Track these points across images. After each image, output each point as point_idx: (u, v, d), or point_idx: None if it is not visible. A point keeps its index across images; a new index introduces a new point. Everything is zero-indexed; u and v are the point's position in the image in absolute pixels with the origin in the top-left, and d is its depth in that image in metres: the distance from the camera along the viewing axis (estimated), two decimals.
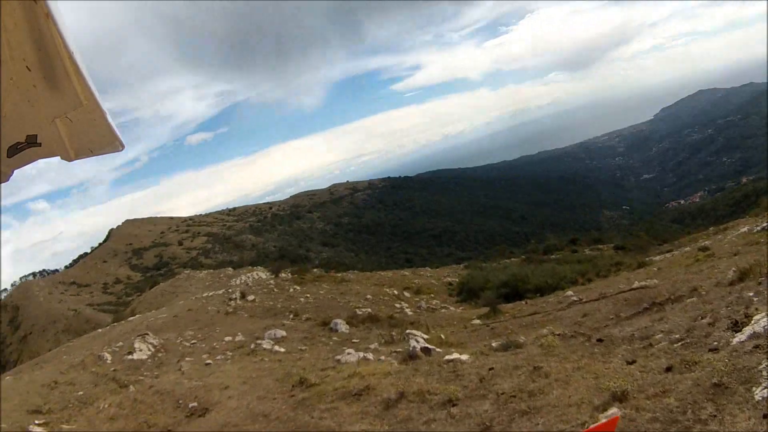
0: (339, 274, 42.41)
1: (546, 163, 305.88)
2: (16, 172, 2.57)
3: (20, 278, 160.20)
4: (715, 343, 7.45)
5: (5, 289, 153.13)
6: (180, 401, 12.89)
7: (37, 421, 12.41)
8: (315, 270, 46.46)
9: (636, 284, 18.86)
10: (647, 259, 33.85)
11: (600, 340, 10.31)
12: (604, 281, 27.94)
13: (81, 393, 15.07)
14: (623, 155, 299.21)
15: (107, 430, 11.74)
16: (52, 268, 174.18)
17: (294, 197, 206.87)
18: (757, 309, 8.15)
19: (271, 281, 39.38)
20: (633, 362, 7.55)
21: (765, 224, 26.21)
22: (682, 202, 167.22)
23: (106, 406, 13.30)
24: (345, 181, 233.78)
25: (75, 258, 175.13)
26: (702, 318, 9.27)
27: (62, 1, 2.06)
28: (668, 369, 6.88)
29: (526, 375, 8.07)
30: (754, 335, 6.92)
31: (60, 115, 2.38)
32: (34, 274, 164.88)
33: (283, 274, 42.48)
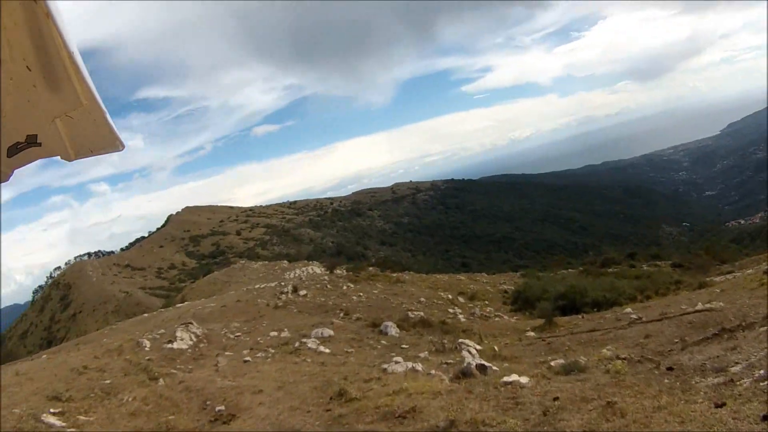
0: (394, 274, 41.83)
1: (610, 173, 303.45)
2: (15, 171, 2.58)
3: (75, 258, 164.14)
4: None
5: (59, 267, 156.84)
6: (208, 402, 12.17)
7: (53, 410, 11.69)
8: (370, 268, 46.02)
9: (700, 306, 17.98)
10: (708, 279, 32.77)
11: (670, 369, 9.49)
12: (663, 299, 27.07)
13: (108, 382, 14.47)
14: (687, 170, 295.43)
15: (124, 426, 11.11)
16: (108, 249, 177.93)
17: (356, 194, 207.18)
18: None
19: (325, 277, 39.13)
20: (722, 405, 6.71)
21: None
22: (743, 221, 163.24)
23: (130, 399, 12.66)
24: (408, 180, 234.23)
25: (132, 241, 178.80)
26: None
27: (62, 1, 2.06)
28: (766, 418, 6.07)
29: (597, 412, 7.19)
30: None
31: (60, 115, 2.41)
32: (89, 254, 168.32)
33: (338, 271, 42.21)
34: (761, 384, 7.14)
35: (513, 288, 41.29)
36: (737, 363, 8.67)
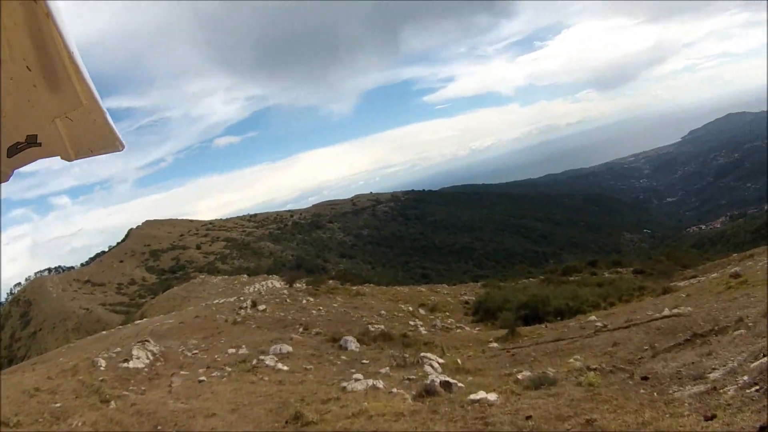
0: (354, 287, 41.69)
1: (570, 182, 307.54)
2: (17, 171, 2.59)
3: (35, 273, 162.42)
4: None
5: (19, 284, 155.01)
6: (159, 427, 11.50)
7: None
8: (330, 282, 45.92)
9: (667, 311, 17.81)
10: (672, 284, 32.95)
11: (645, 378, 9.12)
12: (627, 306, 27.18)
13: (59, 405, 13.85)
14: (648, 177, 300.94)
15: None
16: (69, 264, 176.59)
17: (316, 206, 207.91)
18: None
19: (285, 291, 38.89)
20: (712, 417, 6.21)
21: None
22: (703, 227, 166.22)
23: (80, 424, 12.04)
24: (368, 192, 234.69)
25: (92, 256, 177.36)
26: (763, 355, 8.11)
27: (62, 0, 2.05)
28: (763, 429, 5.58)
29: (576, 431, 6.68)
30: None
31: (60, 115, 2.40)
32: (49, 270, 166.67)
33: (298, 285, 42.09)
34: (748, 391, 6.78)
35: (474, 298, 41.18)
36: (715, 369, 8.43)
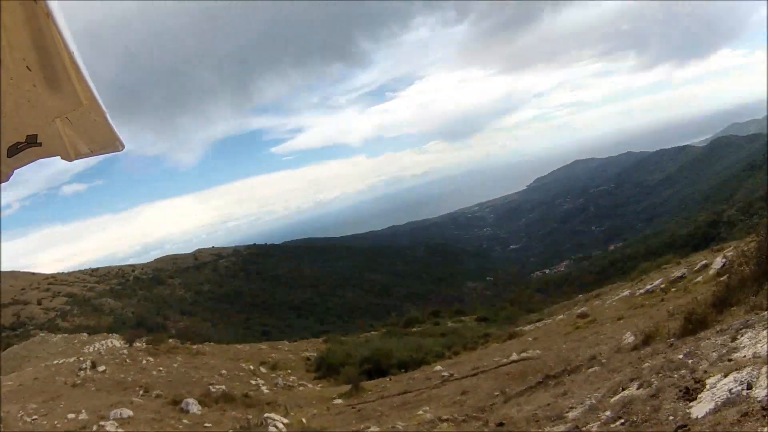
0: (194, 346, 40.63)
1: (413, 233, 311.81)
2: (16, 171, 2.62)
3: None
4: (672, 417, 6.00)
5: None
6: None
7: None
8: (170, 340, 44.66)
9: (515, 356, 17.94)
10: (517, 329, 33.51)
11: (501, 425, 8.78)
12: (473, 354, 27.39)
13: None
14: (492, 226, 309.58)
15: None
16: None
17: (158, 260, 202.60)
18: (706, 372, 6.96)
19: (125, 350, 37.49)
20: None
21: (648, 287, 26.27)
22: (547, 271, 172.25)
23: None
24: (211, 246, 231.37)
25: None
26: (622, 389, 7.98)
27: (62, 1, 2.07)
28: None
29: None
30: (728, 402, 5.61)
31: (60, 115, 2.42)
32: None
33: (138, 344, 40.72)
34: (612, 426, 6.55)
35: (316, 354, 40.71)
36: (573, 408, 8.32)
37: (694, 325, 11.96)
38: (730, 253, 20.97)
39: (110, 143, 2.68)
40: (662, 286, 25.33)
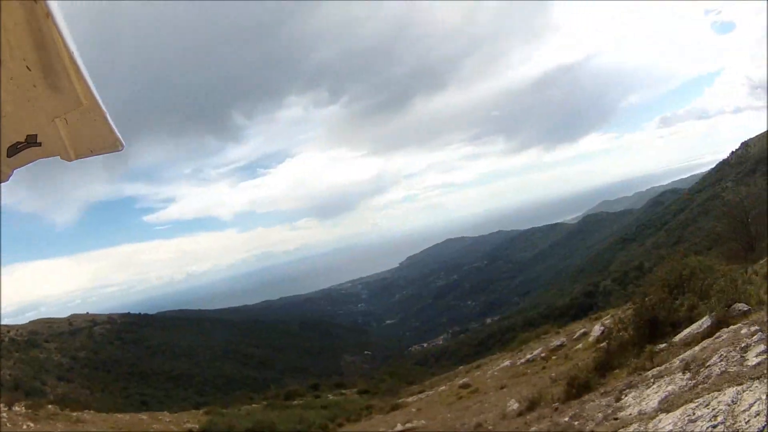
0: (74, 413, 38.94)
1: (287, 308, 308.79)
2: (15, 171, 2.60)
3: None
4: None
5: None
6: None
7: None
8: (50, 406, 42.59)
9: (399, 427, 17.80)
10: (400, 400, 33.39)
11: None
12: (357, 425, 27.12)
13: None
14: (366, 302, 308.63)
15: None
16: None
17: (33, 323, 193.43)
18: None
19: (5, 414, 35.43)
20: None
21: (529, 356, 26.66)
22: (425, 345, 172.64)
23: None
24: (85, 312, 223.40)
25: None
26: None
27: (62, 0, 2.08)
28: None
29: None
30: None
31: (60, 115, 2.42)
32: None
33: (17, 408, 38.61)
34: None
35: (198, 426, 39.58)
36: None
37: (577, 389, 12.18)
38: (608, 320, 21.58)
39: (110, 143, 2.69)
40: (543, 354, 25.77)
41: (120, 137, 2.66)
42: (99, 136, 2.60)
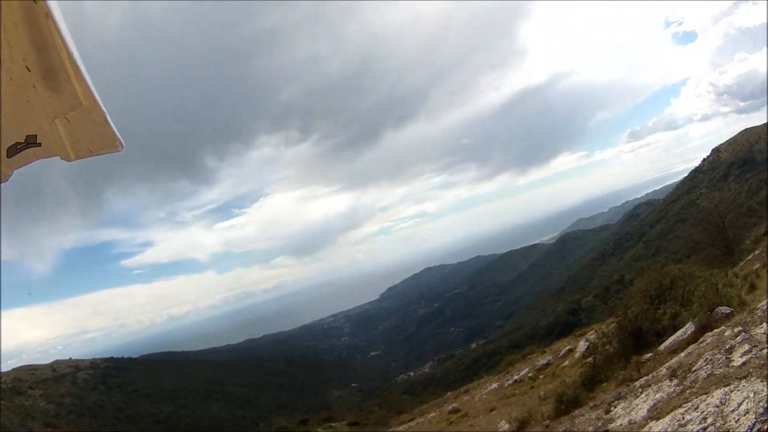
0: None
1: (270, 345, 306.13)
2: (15, 172, 2.62)
3: None
4: None
5: None
6: None
7: None
8: None
9: None
10: (390, 430, 33.23)
11: None
12: None
13: None
14: (349, 335, 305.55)
15: None
16: None
17: (16, 370, 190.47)
18: None
19: None
20: None
21: (516, 377, 26.66)
22: (411, 374, 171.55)
23: None
24: (68, 358, 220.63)
25: None
26: None
27: (62, 0, 2.12)
28: None
29: None
30: None
31: (60, 115, 2.44)
32: None
33: None
34: None
35: None
36: None
37: (566, 405, 12.18)
38: (593, 336, 21.60)
39: (110, 143, 2.69)
40: (530, 374, 25.78)
41: (120, 137, 2.69)
42: (99, 137, 2.62)
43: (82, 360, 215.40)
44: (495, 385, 29.46)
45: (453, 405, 30.00)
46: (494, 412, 19.94)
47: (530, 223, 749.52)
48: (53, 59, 2.13)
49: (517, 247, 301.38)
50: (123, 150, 2.76)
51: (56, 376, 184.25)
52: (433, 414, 32.24)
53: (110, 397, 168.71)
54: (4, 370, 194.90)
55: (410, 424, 33.18)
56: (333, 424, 54.26)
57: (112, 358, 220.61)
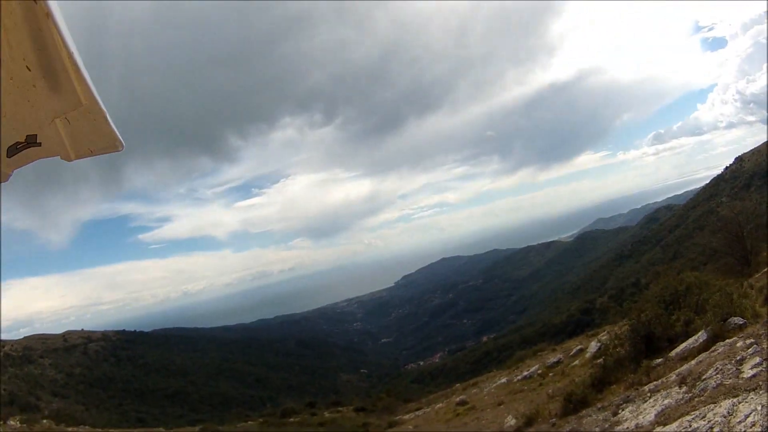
0: (70, 428, 38.92)
1: (283, 327, 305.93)
2: (15, 172, 2.63)
3: None
4: None
5: None
6: None
7: None
8: (45, 421, 42.53)
9: None
10: (397, 418, 33.29)
11: None
12: None
13: None
14: (362, 321, 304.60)
15: None
16: None
17: (27, 338, 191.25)
18: None
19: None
20: None
21: (526, 373, 26.64)
22: (421, 363, 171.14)
23: None
24: (80, 329, 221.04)
25: None
26: None
27: (62, 1, 2.10)
28: None
29: None
30: None
31: (60, 115, 2.43)
32: None
33: (12, 422, 38.62)
34: None
35: None
36: None
37: (574, 404, 12.21)
38: (605, 337, 21.57)
39: (110, 143, 2.68)
40: (540, 371, 25.76)
41: (120, 137, 2.68)
42: (99, 136, 2.61)
43: (94, 331, 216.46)
44: (504, 380, 29.47)
45: (461, 397, 30.03)
46: (502, 406, 19.95)
47: (549, 219, 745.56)
48: (53, 59, 2.13)
49: (535, 243, 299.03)
50: (123, 150, 2.76)
51: (67, 347, 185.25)
52: (440, 405, 32.28)
53: (120, 370, 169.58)
54: (15, 338, 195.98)
55: (417, 413, 33.24)
56: (340, 409, 54.37)
57: (124, 330, 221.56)
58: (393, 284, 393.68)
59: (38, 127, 2.41)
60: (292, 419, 49.82)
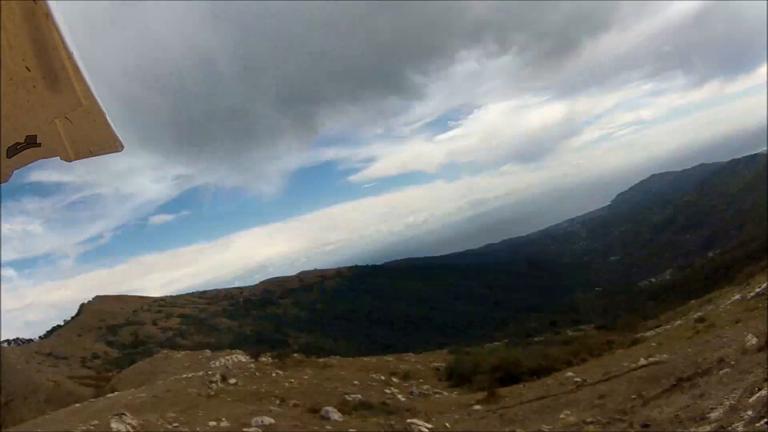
0: (321, 359, 40.51)
1: (511, 250, 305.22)
2: (15, 171, 2.59)
3: None
4: None
5: None
6: None
7: None
8: (295, 355, 44.62)
9: (643, 361, 17.71)
10: (639, 335, 32.90)
11: (646, 425, 8.97)
12: (600, 360, 26.79)
13: None
14: (586, 240, 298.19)
15: None
16: (27, 336, 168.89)
17: (263, 283, 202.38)
18: None
19: (252, 365, 37.57)
20: None
21: (758, 290, 25.65)
22: (653, 279, 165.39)
23: None
24: (313, 269, 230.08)
25: (49, 329, 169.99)
26: (758, 389, 8.07)
27: (62, 1, 2.06)
28: None
29: None
30: None
31: (60, 115, 2.40)
32: (8, 342, 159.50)
33: (264, 358, 40.78)
34: (757, 425, 6.70)
35: (444, 364, 40.40)
36: (713, 409, 8.27)
37: None
38: None
39: (110, 144, 2.66)
40: None
41: (119, 138, 2.66)
42: (99, 137, 2.59)
43: (328, 269, 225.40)
44: (737, 296, 28.51)
45: (698, 314, 29.34)
46: (740, 324, 19.37)
47: (746, 132, 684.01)
48: (53, 59, 2.12)
49: (739, 156, 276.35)
50: (123, 150, 2.75)
51: (304, 286, 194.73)
52: (679, 322, 31.56)
53: (360, 302, 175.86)
54: (251, 284, 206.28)
55: (657, 330, 32.65)
56: (581, 327, 54.24)
57: (356, 266, 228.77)
58: (609, 202, 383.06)
59: (38, 127, 2.42)
60: (536, 338, 50.11)
